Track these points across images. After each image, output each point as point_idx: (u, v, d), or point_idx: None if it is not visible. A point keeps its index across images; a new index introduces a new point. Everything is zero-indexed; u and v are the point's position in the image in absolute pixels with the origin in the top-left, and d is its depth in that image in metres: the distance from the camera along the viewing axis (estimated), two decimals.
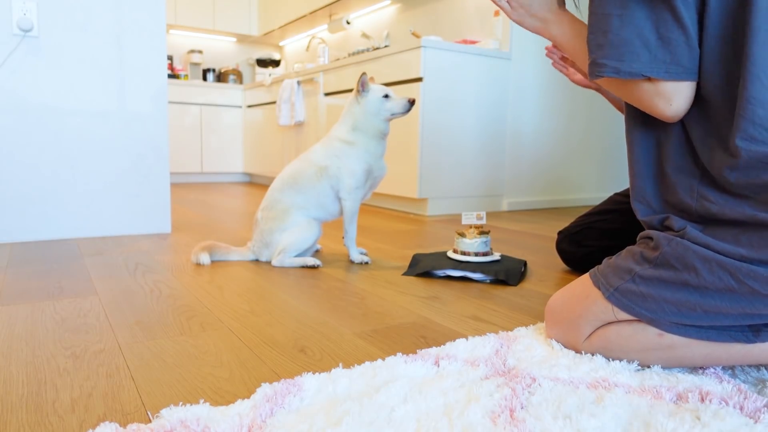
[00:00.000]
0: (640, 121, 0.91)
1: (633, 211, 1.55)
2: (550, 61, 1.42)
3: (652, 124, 0.90)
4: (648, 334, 0.87)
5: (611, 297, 0.87)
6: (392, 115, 1.69)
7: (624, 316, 0.88)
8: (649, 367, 0.88)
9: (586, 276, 0.95)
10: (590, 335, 0.92)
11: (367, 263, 1.72)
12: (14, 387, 0.81)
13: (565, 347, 0.96)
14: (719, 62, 0.79)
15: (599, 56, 0.82)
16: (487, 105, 3.15)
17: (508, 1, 1.04)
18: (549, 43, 3.32)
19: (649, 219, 0.91)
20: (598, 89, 1.44)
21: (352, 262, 1.73)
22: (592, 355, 0.92)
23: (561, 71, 1.42)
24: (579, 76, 1.41)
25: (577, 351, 0.94)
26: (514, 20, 1.05)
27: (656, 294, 0.83)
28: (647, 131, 0.91)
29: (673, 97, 0.81)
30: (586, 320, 0.92)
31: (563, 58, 1.40)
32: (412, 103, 1.68)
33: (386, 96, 1.69)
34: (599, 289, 0.90)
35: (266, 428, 0.68)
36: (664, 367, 0.88)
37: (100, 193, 2.12)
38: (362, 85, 1.68)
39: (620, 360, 0.89)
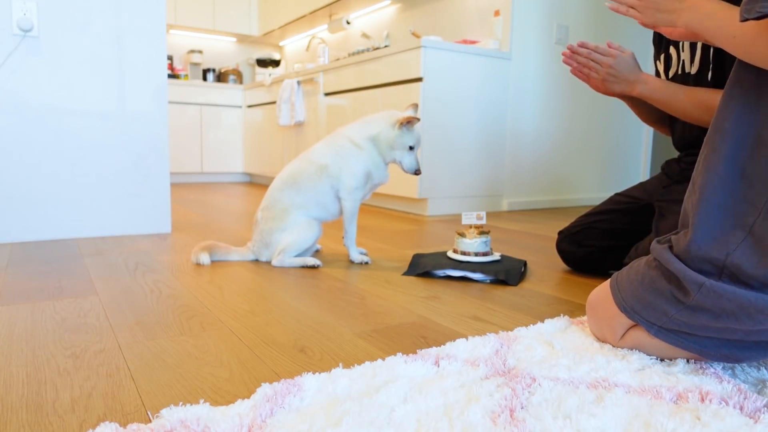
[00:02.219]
0: (743, 101, 0.79)
1: (633, 212, 1.56)
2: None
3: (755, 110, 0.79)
4: None
5: (658, 334, 0.87)
6: (399, 162, 1.69)
7: None
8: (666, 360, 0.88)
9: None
10: (623, 335, 0.95)
11: (367, 263, 1.72)
12: (14, 387, 0.81)
13: (602, 342, 1.00)
14: None
15: None
16: (487, 105, 3.15)
17: (634, 7, 1.02)
18: (550, 43, 3.32)
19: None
20: (623, 98, 1.41)
21: (352, 262, 1.73)
22: (631, 349, 0.95)
23: (581, 78, 1.41)
24: (600, 83, 1.37)
25: (613, 346, 0.97)
26: (647, 24, 1.02)
27: (702, 334, 0.82)
28: (749, 119, 0.79)
29: None
30: (618, 322, 0.94)
31: (578, 62, 1.39)
32: (417, 173, 1.69)
33: (411, 147, 1.67)
34: (636, 321, 0.90)
35: (266, 428, 0.68)
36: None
37: (100, 193, 2.12)
38: (409, 123, 1.64)
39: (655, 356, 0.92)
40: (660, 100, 1.32)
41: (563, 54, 1.41)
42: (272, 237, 1.67)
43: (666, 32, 1.13)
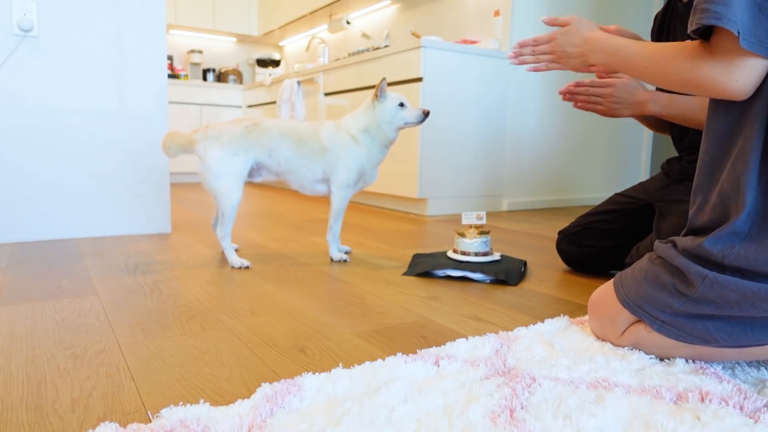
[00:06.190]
0: None
1: (633, 212, 1.56)
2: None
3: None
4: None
5: (660, 329, 0.88)
6: (405, 124, 1.70)
7: None
8: (665, 359, 0.88)
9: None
10: (624, 332, 0.96)
11: (345, 261, 1.73)
12: (14, 387, 0.81)
13: (602, 340, 1.00)
14: None
15: None
16: (487, 105, 3.15)
17: (552, 60, 1.12)
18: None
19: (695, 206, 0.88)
20: (635, 116, 1.43)
21: (331, 260, 1.74)
22: (631, 349, 0.95)
23: (588, 110, 1.42)
24: (608, 111, 1.39)
25: (613, 344, 0.98)
26: (569, 69, 1.11)
27: (704, 326, 0.83)
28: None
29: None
30: (621, 318, 0.95)
31: (574, 93, 1.41)
32: (426, 114, 1.69)
33: (401, 105, 1.69)
34: (639, 317, 0.91)
35: (266, 428, 0.68)
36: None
37: (100, 193, 2.12)
38: (380, 91, 1.67)
39: (654, 355, 0.92)
40: (672, 115, 1.32)
41: (560, 93, 1.42)
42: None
43: (590, 71, 1.19)
